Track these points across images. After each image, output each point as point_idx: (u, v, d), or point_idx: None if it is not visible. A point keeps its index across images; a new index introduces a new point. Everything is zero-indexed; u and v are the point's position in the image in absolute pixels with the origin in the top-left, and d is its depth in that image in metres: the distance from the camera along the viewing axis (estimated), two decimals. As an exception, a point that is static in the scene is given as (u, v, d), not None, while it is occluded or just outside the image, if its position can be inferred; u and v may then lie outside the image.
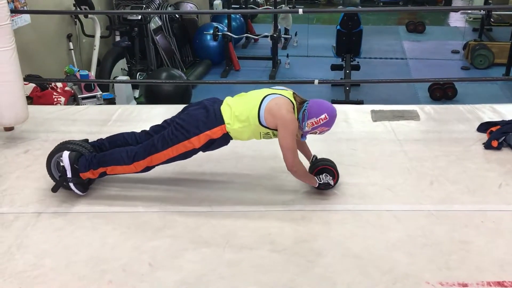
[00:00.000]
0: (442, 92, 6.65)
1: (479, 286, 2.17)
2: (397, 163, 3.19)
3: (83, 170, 2.69)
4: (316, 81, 3.83)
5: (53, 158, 2.78)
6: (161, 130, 2.76)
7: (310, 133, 2.67)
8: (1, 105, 3.33)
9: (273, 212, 2.69)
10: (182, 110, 2.79)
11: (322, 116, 2.57)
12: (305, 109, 2.59)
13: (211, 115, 2.60)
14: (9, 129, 3.65)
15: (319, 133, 2.68)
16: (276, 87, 2.76)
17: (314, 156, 2.95)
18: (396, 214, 2.66)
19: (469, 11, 10.82)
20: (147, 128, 2.86)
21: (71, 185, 2.72)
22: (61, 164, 2.70)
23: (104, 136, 2.93)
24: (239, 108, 2.61)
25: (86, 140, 2.87)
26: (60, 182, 2.74)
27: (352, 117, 3.90)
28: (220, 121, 2.59)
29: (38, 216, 2.66)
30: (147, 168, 2.71)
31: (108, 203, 2.77)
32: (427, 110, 4.02)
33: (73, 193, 2.80)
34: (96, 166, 2.69)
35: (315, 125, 2.59)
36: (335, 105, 4.19)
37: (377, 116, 3.90)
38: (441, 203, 2.75)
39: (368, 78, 7.26)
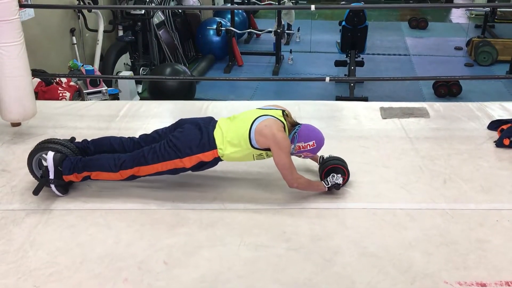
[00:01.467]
0: (447, 89, 6.64)
1: (497, 285, 2.16)
2: (409, 161, 3.17)
3: (67, 173, 2.66)
4: (327, 78, 3.80)
5: (35, 156, 2.74)
6: (151, 141, 2.77)
7: (295, 155, 2.70)
8: (10, 100, 3.30)
9: (287, 210, 2.67)
10: (176, 123, 2.79)
11: (310, 143, 2.64)
12: (295, 132, 2.65)
13: (205, 138, 2.62)
14: (16, 124, 3.61)
15: (303, 157, 2.75)
16: (267, 106, 2.79)
17: (321, 156, 2.92)
18: (411, 212, 2.65)
19: (471, 8, 10.82)
20: (147, 131, 2.87)
21: (52, 186, 2.68)
22: (44, 164, 2.67)
23: (113, 132, 2.90)
24: (230, 133, 2.63)
25: (72, 140, 2.83)
26: (41, 184, 2.68)
27: (362, 114, 3.88)
28: (213, 145, 2.61)
29: (50, 213, 2.64)
30: (132, 177, 2.71)
31: (120, 200, 2.74)
32: (436, 107, 4.01)
33: (85, 190, 2.79)
34: (81, 170, 2.67)
35: (301, 149, 2.66)
36: (339, 102, 4.24)
37: (386, 114, 3.88)
38: (456, 202, 2.74)
39: (372, 75, 7.25)
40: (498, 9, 9.11)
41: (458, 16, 11.80)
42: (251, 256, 2.33)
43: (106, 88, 5.18)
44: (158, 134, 2.80)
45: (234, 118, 2.75)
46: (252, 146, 2.59)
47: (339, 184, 2.75)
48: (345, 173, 2.82)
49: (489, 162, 3.14)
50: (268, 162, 3.15)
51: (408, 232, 2.49)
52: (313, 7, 3.64)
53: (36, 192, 2.68)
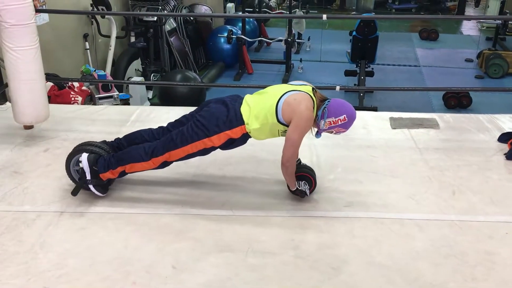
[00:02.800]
0: (457, 101, 6.63)
1: (505, 298, 2.15)
2: (418, 172, 3.17)
3: (102, 170, 2.68)
4: (338, 88, 3.83)
5: (71, 160, 2.78)
6: (180, 126, 2.73)
7: (326, 132, 2.63)
8: (24, 103, 3.34)
9: (295, 218, 2.68)
10: (201, 105, 2.76)
11: (341, 117, 2.53)
12: (325, 107, 2.55)
13: (232, 114, 2.57)
14: (28, 127, 3.66)
15: (334, 133, 2.64)
16: (296, 82, 2.71)
17: (298, 159, 2.89)
18: (419, 223, 2.64)
19: (483, 20, 10.80)
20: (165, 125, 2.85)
21: (91, 187, 2.71)
22: (80, 166, 2.70)
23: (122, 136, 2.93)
24: (257, 107, 2.57)
25: (104, 142, 2.86)
26: (79, 185, 2.73)
27: (371, 124, 3.88)
28: (240, 121, 2.56)
29: (60, 216, 2.66)
30: (165, 164, 2.68)
31: (129, 205, 2.77)
32: (446, 118, 4.01)
33: (94, 193, 2.81)
34: (115, 165, 2.68)
35: (333, 125, 2.56)
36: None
37: (396, 124, 3.88)
38: (464, 214, 2.73)
39: (381, 85, 7.25)
40: (509, 22, 9.08)
41: (469, 28, 11.78)
42: (258, 263, 2.34)
43: (118, 93, 5.23)
44: (186, 118, 2.76)
45: (262, 93, 2.69)
46: (278, 120, 2.53)
47: (305, 194, 2.76)
48: (312, 185, 2.81)
49: (499, 175, 3.13)
50: (277, 169, 3.17)
51: (416, 242, 2.48)
52: (324, 16, 3.67)
53: (74, 193, 2.72)
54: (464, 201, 2.85)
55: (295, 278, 2.24)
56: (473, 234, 2.56)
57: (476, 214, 2.73)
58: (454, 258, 2.37)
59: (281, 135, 2.63)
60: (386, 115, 4.06)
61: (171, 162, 2.69)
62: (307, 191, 2.76)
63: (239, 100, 2.66)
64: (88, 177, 2.68)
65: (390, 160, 3.31)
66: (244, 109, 2.59)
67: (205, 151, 2.65)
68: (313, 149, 3.41)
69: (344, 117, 2.53)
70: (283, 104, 2.51)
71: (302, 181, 2.76)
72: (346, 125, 2.57)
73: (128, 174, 2.76)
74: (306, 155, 3.33)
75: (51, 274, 2.24)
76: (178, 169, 3.11)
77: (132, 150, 2.70)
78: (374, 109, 6.26)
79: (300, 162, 2.91)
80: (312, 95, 2.57)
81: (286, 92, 2.57)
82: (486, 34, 10.38)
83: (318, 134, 2.68)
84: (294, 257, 2.37)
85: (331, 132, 2.63)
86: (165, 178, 3.00)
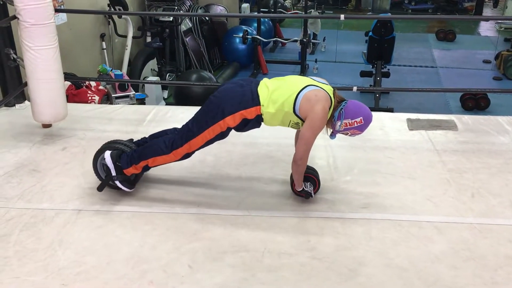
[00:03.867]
0: (475, 102, 6.55)
1: (527, 303, 2.11)
2: (436, 174, 3.13)
3: (126, 166, 2.70)
4: (355, 88, 3.80)
5: (98, 158, 2.80)
6: None
7: (341, 133, 2.61)
8: (42, 102, 3.38)
9: (312, 218, 2.67)
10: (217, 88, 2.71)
11: (358, 119, 2.51)
12: (342, 108, 2.52)
13: (248, 95, 2.52)
14: (47, 126, 3.70)
15: (350, 135, 2.62)
16: (317, 78, 2.66)
17: None
18: (438, 225, 2.61)
19: (501, 21, 10.65)
20: None
21: (117, 182, 2.73)
22: (105, 163, 2.73)
23: (140, 136, 2.95)
24: (277, 92, 2.52)
25: (131, 140, 2.89)
26: (106, 181, 2.76)
27: (388, 125, 3.85)
28: (256, 101, 2.51)
29: (78, 214, 2.69)
30: (187, 155, 2.65)
31: (146, 204, 2.78)
32: (464, 120, 3.95)
33: (112, 192, 2.83)
34: (137, 160, 2.69)
35: (349, 127, 2.54)
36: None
37: (413, 125, 3.84)
38: (484, 216, 2.69)
39: (398, 86, 7.19)
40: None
41: (486, 29, 11.63)
42: (274, 263, 2.33)
43: (134, 92, 5.26)
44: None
45: (282, 80, 2.63)
46: (294, 111, 2.49)
47: (310, 195, 2.74)
48: (316, 185, 2.79)
49: (518, 178, 3.08)
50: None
51: (434, 245, 2.45)
52: (342, 16, 3.64)
53: (100, 188, 2.77)
54: (484, 204, 2.81)
55: (311, 279, 2.23)
56: (493, 238, 2.52)
57: (496, 217, 2.69)
58: (474, 262, 2.34)
59: (291, 126, 2.61)
60: (403, 116, 4.02)
61: (193, 152, 2.66)
62: (312, 193, 2.74)
63: (255, 82, 2.62)
64: (113, 173, 2.71)
65: (407, 162, 3.28)
66: (262, 91, 2.54)
67: (222, 135, 2.60)
68: (329, 150, 3.39)
69: (361, 119, 2.51)
70: (303, 98, 2.48)
71: (307, 182, 2.74)
72: (362, 128, 2.55)
73: (152, 168, 2.76)
74: (322, 156, 3.32)
75: (69, 272, 2.25)
76: (194, 168, 3.13)
77: (153, 145, 2.70)
78: (390, 110, 6.20)
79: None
80: (331, 95, 2.55)
81: (307, 86, 2.52)
82: (504, 35, 10.24)
83: (333, 135, 2.66)
84: (311, 258, 2.35)
85: (346, 134, 2.61)
86: (181, 178, 3.01)
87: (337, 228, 2.58)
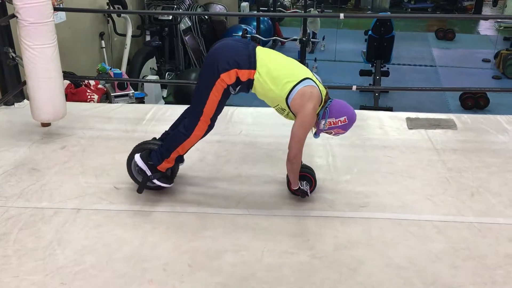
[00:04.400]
0: (474, 101, 6.55)
1: (526, 302, 2.11)
2: (436, 173, 3.13)
3: (157, 162, 2.69)
4: (354, 87, 3.80)
5: (131, 166, 2.81)
6: None
7: (325, 132, 2.60)
8: (42, 101, 3.37)
9: (312, 217, 2.66)
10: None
11: (342, 118, 2.51)
12: (326, 107, 2.52)
13: (243, 54, 2.46)
14: (46, 125, 3.69)
15: (333, 134, 2.62)
16: (317, 76, 2.64)
17: None
18: (437, 224, 2.61)
19: (500, 20, 10.65)
20: None
21: (155, 181, 2.73)
22: (138, 167, 2.73)
23: (139, 134, 2.94)
24: (277, 69, 2.48)
25: (154, 139, 2.88)
26: (144, 182, 2.75)
27: (387, 124, 3.85)
28: (253, 65, 2.45)
29: (77, 212, 2.68)
30: (210, 126, 2.59)
31: (145, 202, 2.77)
32: (463, 119, 3.95)
33: (111, 191, 2.83)
34: (167, 153, 2.67)
35: (333, 126, 2.54)
36: (364, 111, 4.21)
37: (413, 124, 3.84)
38: (484, 216, 2.69)
39: (397, 85, 7.18)
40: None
41: (486, 28, 11.63)
42: (274, 263, 2.33)
43: (133, 91, 5.26)
44: None
45: (283, 57, 2.59)
46: (286, 98, 2.47)
47: (306, 194, 2.74)
48: (312, 184, 2.79)
49: (518, 177, 3.08)
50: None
51: (434, 244, 2.45)
52: (342, 15, 3.64)
53: (140, 190, 2.76)
54: (483, 203, 2.81)
55: (311, 278, 2.23)
56: (492, 237, 2.52)
57: (496, 216, 2.69)
58: (473, 261, 2.34)
59: (276, 109, 2.59)
60: (403, 115, 4.02)
61: (213, 120, 2.58)
62: (308, 192, 2.74)
63: (252, 44, 2.58)
64: (149, 173, 2.71)
65: (407, 161, 3.28)
66: (261, 57, 2.48)
67: (225, 95, 2.52)
68: (329, 149, 3.40)
69: (345, 118, 2.52)
70: (299, 91, 2.45)
71: (304, 181, 2.74)
72: (345, 127, 2.56)
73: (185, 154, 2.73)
74: (322, 155, 3.32)
75: (68, 271, 2.25)
76: (194, 167, 3.13)
77: (175, 134, 2.69)
78: (390, 109, 6.19)
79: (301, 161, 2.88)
80: (323, 96, 2.54)
81: (306, 79, 2.49)
82: (504, 34, 10.23)
83: (316, 134, 2.65)
84: (311, 257, 2.35)
85: (330, 133, 2.61)
86: (181, 176, 3.00)
87: (337, 227, 2.58)
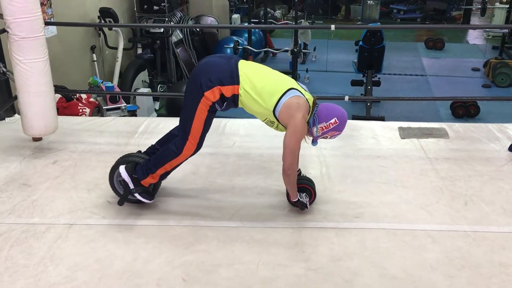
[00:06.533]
0: (465, 110, 6.60)
1: (522, 311, 2.11)
2: (429, 182, 3.14)
3: (142, 176, 2.68)
4: (347, 98, 3.81)
5: (114, 176, 2.78)
6: None
7: (321, 138, 2.60)
8: (33, 115, 3.35)
9: (306, 229, 2.65)
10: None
11: (332, 121, 2.50)
12: (314, 114, 2.52)
13: (226, 70, 2.47)
14: (37, 139, 3.66)
15: (330, 138, 2.61)
16: (302, 85, 2.66)
17: (299, 170, 2.85)
18: (432, 234, 2.61)
19: (489, 29, 10.79)
20: None
21: (137, 195, 2.71)
22: (121, 178, 2.71)
23: (132, 148, 2.93)
24: (261, 83, 2.48)
25: (139, 152, 2.87)
26: (125, 195, 2.73)
27: (380, 134, 3.86)
28: (236, 81, 2.46)
29: (69, 228, 2.65)
30: (199, 145, 2.60)
31: (138, 217, 2.75)
32: (455, 128, 3.98)
33: (104, 205, 2.81)
34: (154, 169, 2.66)
35: (325, 130, 2.53)
36: (357, 121, 4.23)
37: (405, 133, 3.86)
38: (477, 224, 2.70)
39: (388, 95, 7.23)
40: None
41: (475, 37, 11.78)
42: (269, 275, 2.31)
43: (125, 104, 5.24)
44: None
45: (266, 70, 2.60)
46: (274, 111, 2.47)
47: (306, 206, 2.73)
48: (312, 196, 2.79)
49: (510, 185, 3.09)
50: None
51: (429, 254, 2.45)
52: (333, 26, 3.66)
53: (120, 202, 2.74)
54: (477, 211, 2.81)
55: (307, 291, 2.21)
56: (487, 245, 2.52)
57: (489, 225, 2.69)
58: (469, 270, 2.34)
59: (265, 123, 2.60)
60: (395, 124, 4.04)
61: (200, 143, 2.60)
62: (307, 204, 2.74)
63: (235, 58, 2.59)
64: (131, 186, 2.69)
65: (400, 171, 3.28)
66: (243, 71, 2.48)
67: (213, 110, 2.54)
68: (322, 160, 3.40)
69: (335, 120, 2.50)
70: (285, 103, 2.45)
71: (303, 193, 2.74)
72: (339, 128, 2.54)
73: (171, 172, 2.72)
74: (315, 166, 3.32)
75: (60, 288, 2.22)
76: (187, 179, 3.11)
77: (163, 150, 2.68)
78: (382, 118, 6.23)
79: (301, 172, 2.88)
80: (311, 104, 2.54)
81: (290, 89, 2.49)
82: (492, 43, 10.36)
83: (314, 142, 2.64)
84: (306, 269, 2.34)
85: (326, 137, 2.60)
86: (174, 189, 2.99)
87: (332, 239, 2.57)
